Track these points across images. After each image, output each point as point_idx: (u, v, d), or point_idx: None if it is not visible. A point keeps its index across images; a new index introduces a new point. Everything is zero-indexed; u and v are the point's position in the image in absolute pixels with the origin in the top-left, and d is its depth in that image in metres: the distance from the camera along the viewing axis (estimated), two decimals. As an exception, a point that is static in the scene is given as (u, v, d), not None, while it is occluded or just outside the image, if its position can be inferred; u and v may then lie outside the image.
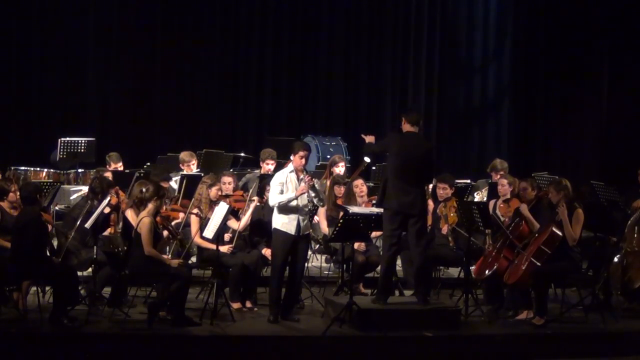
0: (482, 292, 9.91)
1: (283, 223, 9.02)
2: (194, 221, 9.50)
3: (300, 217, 9.01)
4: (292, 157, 9.12)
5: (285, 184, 9.03)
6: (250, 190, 9.99)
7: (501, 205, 10.09)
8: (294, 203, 8.97)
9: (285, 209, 8.99)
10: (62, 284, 8.52)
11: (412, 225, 8.95)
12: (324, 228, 10.23)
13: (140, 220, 8.71)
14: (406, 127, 9.10)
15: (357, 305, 8.77)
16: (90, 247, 9.13)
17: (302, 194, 8.95)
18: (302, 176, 9.02)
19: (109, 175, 10.04)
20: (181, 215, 9.82)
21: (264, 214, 9.70)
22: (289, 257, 9.07)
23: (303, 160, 9.04)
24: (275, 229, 9.08)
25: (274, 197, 9.05)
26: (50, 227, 9.07)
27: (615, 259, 9.85)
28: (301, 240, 9.06)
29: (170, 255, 9.53)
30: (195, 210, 9.53)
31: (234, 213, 9.63)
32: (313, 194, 9.05)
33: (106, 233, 9.39)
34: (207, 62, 15.94)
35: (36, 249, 8.56)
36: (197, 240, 9.47)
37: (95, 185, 9.56)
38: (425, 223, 9.24)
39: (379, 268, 9.77)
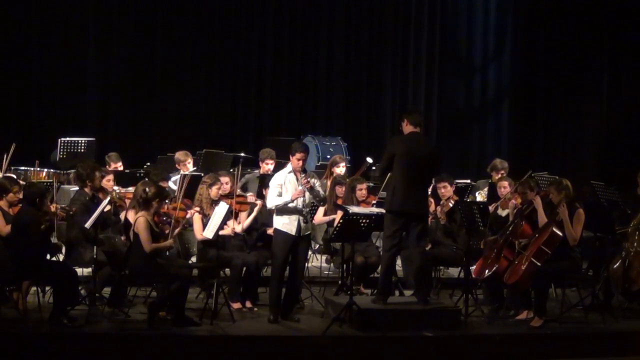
0: (482, 292, 9.92)
1: (283, 223, 9.01)
2: (197, 219, 9.50)
3: (301, 218, 9.01)
4: (290, 158, 9.12)
5: (284, 185, 9.03)
6: (251, 193, 10.00)
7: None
8: (293, 204, 8.97)
9: (285, 210, 8.99)
10: (62, 284, 8.52)
11: (414, 227, 8.94)
12: (320, 218, 10.22)
13: (136, 220, 8.72)
14: (408, 128, 9.05)
15: (357, 305, 8.77)
16: (92, 245, 9.14)
17: (297, 197, 8.94)
18: (300, 178, 9.00)
19: (110, 177, 10.01)
20: (184, 213, 9.81)
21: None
22: (289, 257, 9.07)
23: (300, 163, 9.01)
24: (275, 229, 9.08)
25: (271, 199, 9.05)
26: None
27: (617, 261, 9.86)
28: (301, 241, 9.06)
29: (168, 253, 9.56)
30: (197, 209, 9.54)
31: (236, 215, 9.64)
32: (312, 196, 9.04)
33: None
34: (207, 62, 15.95)
35: (36, 249, 8.56)
36: (200, 236, 9.46)
37: (80, 172, 9.58)
38: (427, 224, 9.25)
39: (379, 268, 9.79)
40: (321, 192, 9.24)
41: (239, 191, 10.17)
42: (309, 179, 9.01)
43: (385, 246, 9.03)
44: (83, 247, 9.26)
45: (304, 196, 8.96)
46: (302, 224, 9.01)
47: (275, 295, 9.07)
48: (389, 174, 9.36)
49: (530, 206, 9.46)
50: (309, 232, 9.19)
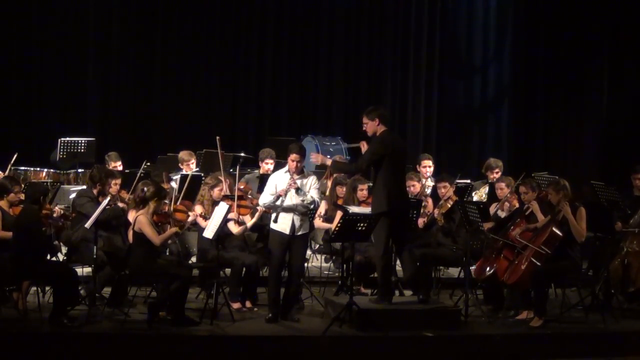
0: (482, 292, 9.92)
1: (278, 223, 9.04)
2: (200, 221, 9.51)
3: (295, 217, 9.01)
4: (287, 159, 9.15)
5: (278, 185, 9.08)
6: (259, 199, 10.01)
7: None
8: (286, 203, 8.96)
9: (276, 208, 9.01)
10: (62, 285, 8.51)
11: (400, 225, 8.99)
12: (319, 224, 10.26)
13: (135, 219, 8.72)
14: (381, 127, 9.07)
15: (357, 305, 8.77)
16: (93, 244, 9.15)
17: (279, 196, 8.94)
18: (290, 178, 9.02)
19: (118, 180, 10.00)
20: (185, 216, 9.81)
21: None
22: (286, 256, 9.09)
23: (294, 164, 9.03)
24: (271, 228, 9.12)
25: (263, 197, 9.15)
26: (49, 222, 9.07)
27: (617, 261, 9.87)
28: (297, 240, 9.06)
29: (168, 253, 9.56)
30: (200, 211, 9.54)
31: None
32: (298, 196, 9.01)
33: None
34: (207, 62, 15.95)
35: (38, 249, 8.56)
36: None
37: (94, 174, 9.60)
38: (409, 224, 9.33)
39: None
40: (310, 196, 9.12)
41: (242, 187, 10.15)
42: (295, 181, 8.99)
43: (380, 248, 9.01)
44: (87, 245, 9.24)
45: (284, 195, 8.93)
46: (296, 223, 9.01)
47: (273, 294, 9.09)
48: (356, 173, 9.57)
49: (530, 207, 9.47)
50: (305, 232, 9.17)
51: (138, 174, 10.34)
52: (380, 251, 9.02)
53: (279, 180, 9.08)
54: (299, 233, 9.07)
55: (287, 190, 8.96)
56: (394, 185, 8.95)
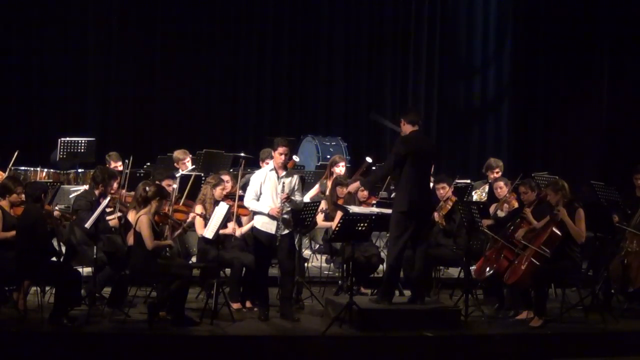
0: (482, 292, 9.92)
1: (263, 223, 9.05)
2: (199, 222, 9.51)
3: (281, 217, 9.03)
4: (273, 154, 9.10)
5: (264, 183, 9.04)
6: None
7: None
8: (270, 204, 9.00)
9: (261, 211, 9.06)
10: (65, 285, 8.51)
11: (421, 226, 8.97)
12: (320, 223, 10.26)
13: (137, 218, 8.72)
14: (407, 127, 9.08)
15: (357, 305, 8.77)
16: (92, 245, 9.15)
17: (272, 216, 8.94)
18: (279, 185, 8.98)
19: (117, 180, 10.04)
20: (186, 216, 9.81)
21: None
22: (275, 256, 9.12)
23: (282, 157, 8.98)
24: (255, 228, 9.11)
25: (249, 199, 9.09)
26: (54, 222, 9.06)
27: (616, 261, 9.88)
28: (283, 239, 9.05)
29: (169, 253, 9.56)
30: (200, 210, 9.54)
31: (237, 220, 9.64)
32: (290, 207, 9.03)
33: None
34: (207, 62, 15.95)
35: (41, 249, 8.56)
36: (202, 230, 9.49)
37: (96, 175, 9.61)
38: (430, 224, 9.31)
39: (380, 268, 9.82)
40: (298, 199, 9.17)
41: (240, 192, 10.16)
42: (287, 193, 8.97)
43: (393, 248, 9.01)
44: (87, 245, 9.25)
45: (281, 214, 8.95)
46: (282, 223, 9.02)
47: (263, 294, 9.11)
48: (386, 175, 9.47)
49: (530, 207, 9.48)
50: (290, 230, 9.13)
51: (137, 174, 10.38)
52: (393, 250, 9.01)
53: (264, 179, 9.04)
54: (285, 232, 9.06)
55: (281, 210, 8.92)
56: (416, 186, 8.91)
